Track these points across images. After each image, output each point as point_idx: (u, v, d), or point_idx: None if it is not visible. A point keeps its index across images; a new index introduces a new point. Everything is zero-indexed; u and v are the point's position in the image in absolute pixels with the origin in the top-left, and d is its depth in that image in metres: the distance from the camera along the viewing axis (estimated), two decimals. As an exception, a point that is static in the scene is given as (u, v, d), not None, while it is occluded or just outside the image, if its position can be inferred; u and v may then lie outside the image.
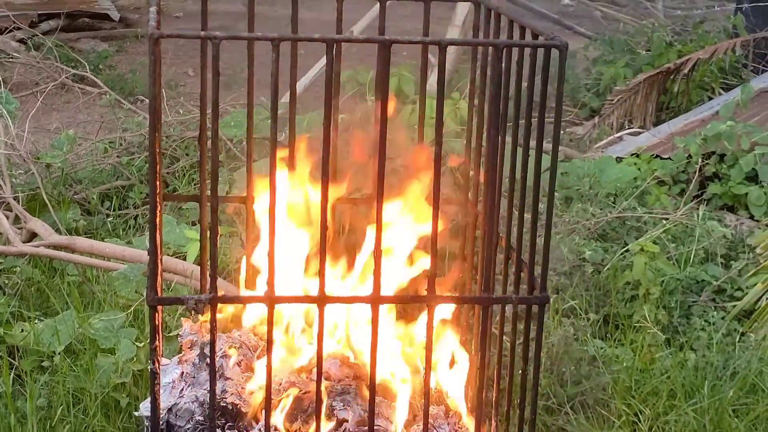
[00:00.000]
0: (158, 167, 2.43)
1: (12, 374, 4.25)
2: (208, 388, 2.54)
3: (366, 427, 2.57)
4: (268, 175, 2.43)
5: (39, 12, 11.51)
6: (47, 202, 5.63)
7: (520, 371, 2.78)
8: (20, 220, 5.25)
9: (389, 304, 2.76)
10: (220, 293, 2.48)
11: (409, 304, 2.52)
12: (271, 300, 2.43)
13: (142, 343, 4.26)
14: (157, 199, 2.43)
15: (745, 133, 6.48)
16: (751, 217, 6.13)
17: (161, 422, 2.74)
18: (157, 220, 2.43)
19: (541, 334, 2.63)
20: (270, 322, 2.44)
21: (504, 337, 3.01)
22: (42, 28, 10.79)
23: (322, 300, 2.44)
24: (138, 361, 4.17)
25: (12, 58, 8.97)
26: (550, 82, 2.55)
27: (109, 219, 6.06)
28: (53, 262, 5.08)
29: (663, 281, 5.13)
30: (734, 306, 5.16)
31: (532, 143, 2.61)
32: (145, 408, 2.86)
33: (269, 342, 2.45)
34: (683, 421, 4.21)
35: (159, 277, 2.48)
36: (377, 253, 2.43)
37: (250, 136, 2.81)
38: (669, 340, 4.82)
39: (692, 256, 5.44)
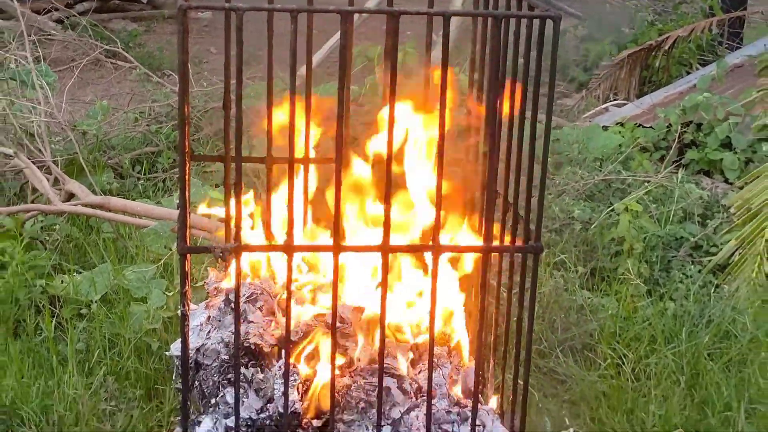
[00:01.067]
0: (187, 127, 2.43)
1: (54, 321, 4.28)
2: (233, 330, 2.55)
3: (376, 365, 2.59)
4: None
5: (74, -6, 11.46)
6: (84, 166, 5.64)
7: (516, 318, 2.78)
8: (59, 182, 5.25)
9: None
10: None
11: (416, 252, 2.51)
12: (289, 248, 2.43)
13: (171, 293, 4.27)
14: (186, 157, 2.43)
15: (721, 104, 6.47)
16: (726, 181, 6.12)
17: (190, 361, 2.76)
18: (186, 176, 2.42)
19: (536, 282, 2.63)
20: (289, 269, 2.44)
21: (502, 288, 3.02)
22: (77, 9, 10.70)
23: (336, 248, 2.44)
24: (167, 308, 4.19)
25: (50, 36, 8.93)
26: (545, 53, 2.53)
27: (140, 182, 6.07)
28: (90, 220, 5.09)
29: (645, 238, 5.14)
30: (710, 260, 5.17)
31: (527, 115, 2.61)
32: (175, 348, 2.87)
33: (288, 287, 2.45)
34: (663, 363, 4.22)
35: (188, 229, 2.48)
36: (387, 207, 2.43)
37: (270, 102, 2.79)
38: (650, 291, 4.83)
39: (672, 216, 5.44)
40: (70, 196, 5.09)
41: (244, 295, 2.84)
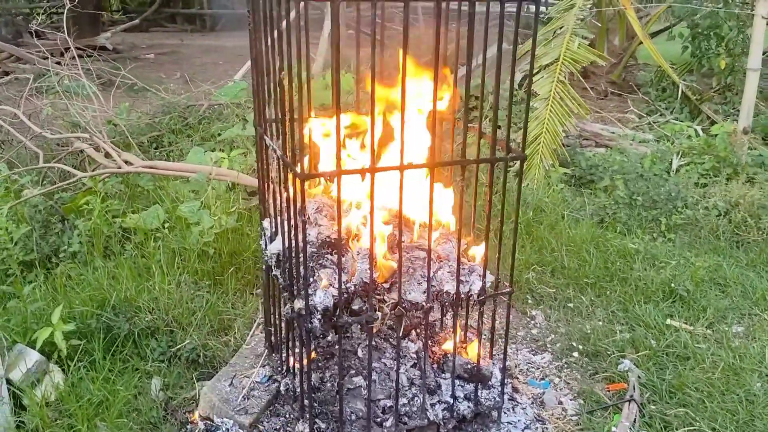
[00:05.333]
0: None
1: (132, 244, 3.54)
2: (309, 233, 2.02)
3: (415, 245, 2.14)
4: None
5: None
6: (131, 142, 4.72)
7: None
8: (113, 155, 4.34)
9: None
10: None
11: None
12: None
13: (216, 217, 3.61)
14: (290, 115, 1.85)
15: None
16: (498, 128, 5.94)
17: (271, 258, 2.23)
18: (288, 128, 1.84)
19: (521, 178, 2.23)
20: (372, 185, 1.93)
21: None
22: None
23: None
24: (216, 227, 3.54)
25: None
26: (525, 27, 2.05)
27: (156, 153, 5.21)
28: (140, 176, 4.25)
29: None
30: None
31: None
32: (273, 247, 2.30)
33: (372, 197, 1.93)
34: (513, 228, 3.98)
35: (303, 162, 1.92)
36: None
37: (305, 78, 2.15)
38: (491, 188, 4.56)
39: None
40: (125, 163, 4.24)
41: (316, 209, 2.31)
